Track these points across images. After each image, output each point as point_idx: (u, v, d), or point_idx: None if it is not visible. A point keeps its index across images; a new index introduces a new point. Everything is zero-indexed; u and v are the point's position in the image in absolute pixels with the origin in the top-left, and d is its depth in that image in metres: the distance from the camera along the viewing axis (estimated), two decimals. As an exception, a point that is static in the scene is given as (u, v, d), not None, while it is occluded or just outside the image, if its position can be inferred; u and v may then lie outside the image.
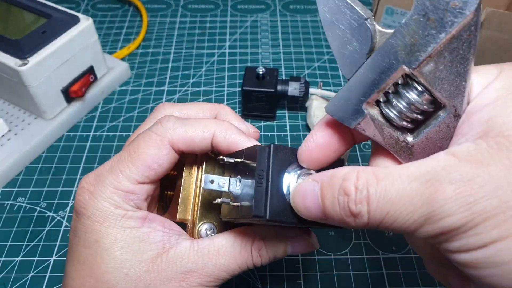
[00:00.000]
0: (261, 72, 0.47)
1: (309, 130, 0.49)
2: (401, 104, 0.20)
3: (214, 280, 0.26)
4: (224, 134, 0.26)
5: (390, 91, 0.20)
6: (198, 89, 0.54)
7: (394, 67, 0.19)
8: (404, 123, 0.21)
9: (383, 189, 0.18)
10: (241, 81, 0.49)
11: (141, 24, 0.65)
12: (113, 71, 0.53)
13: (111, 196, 0.25)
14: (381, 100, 0.21)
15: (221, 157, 0.25)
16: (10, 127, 0.46)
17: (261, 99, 0.48)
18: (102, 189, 0.25)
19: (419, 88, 0.20)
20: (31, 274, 0.37)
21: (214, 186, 0.25)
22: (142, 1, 0.69)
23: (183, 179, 0.28)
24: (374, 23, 0.20)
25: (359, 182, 0.19)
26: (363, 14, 0.20)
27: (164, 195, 0.32)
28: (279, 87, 0.48)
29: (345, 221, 0.19)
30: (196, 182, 0.29)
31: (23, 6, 0.48)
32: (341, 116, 0.21)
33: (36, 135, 0.46)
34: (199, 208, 0.28)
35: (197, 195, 0.28)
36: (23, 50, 0.43)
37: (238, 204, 0.24)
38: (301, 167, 0.24)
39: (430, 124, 0.21)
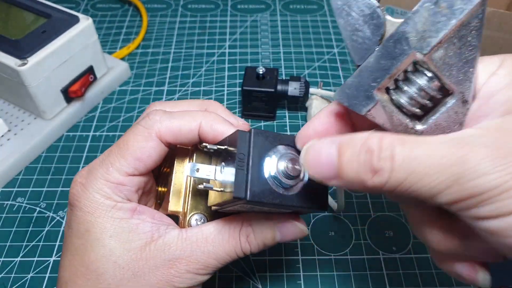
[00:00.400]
0: (261, 72, 0.47)
1: (309, 130, 0.49)
2: (412, 90, 0.20)
3: (203, 268, 0.26)
4: (210, 125, 0.27)
5: (400, 78, 0.21)
6: (198, 89, 0.54)
7: (406, 53, 0.19)
8: (414, 109, 0.21)
9: (410, 149, 0.18)
10: (241, 81, 0.49)
11: (141, 24, 0.65)
12: (113, 71, 0.53)
13: (102, 187, 0.26)
14: (391, 87, 0.21)
15: (204, 144, 0.26)
16: (10, 127, 0.46)
17: (261, 99, 0.48)
18: (93, 181, 0.26)
19: (429, 74, 0.20)
20: (31, 274, 0.37)
21: (200, 174, 0.26)
22: (142, 1, 0.69)
23: (174, 173, 0.29)
24: (384, 12, 0.20)
25: (384, 142, 0.18)
26: (374, 1, 0.20)
27: (159, 192, 0.32)
28: (279, 87, 0.48)
29: (360, 179, 0.19)
30: (187, 175, 0.29)
31: (23, 6, 0.48)
32: (352, 103, 0.21)
33: (35, 135, 0.46)
34: (189, 200, 0.29)
35: (188, 188, 0.29)
36: (22, 50, 0.43)
37: (222, 189, 0.25)
38: (283, 151, 0.24)
39: (438, 110, 0.21)
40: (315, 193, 0.25)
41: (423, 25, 0.19)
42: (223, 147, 0.26)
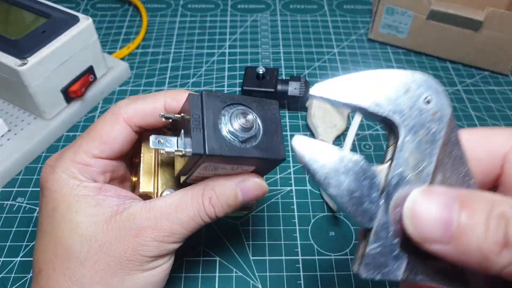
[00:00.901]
0: (261, 72, 0.47)
1: (309, 130, 0.49)
2: None
3: (169, 235, 0.27)
4: (176, 99, 0.28)
5: None
6: (198, 88, 0.54)
7: (410, 192, 0.18)
8: None
9: None
10: (241, 81, 0.49)
11: (141, 24, 0.65)
12: (113, 71, 0.53)
13: (68, 167, 0.27)
14: None
15: (161, 113, 0.27)
16: (10, 127, 0.46)
17: (261, 99, 0.48)
18: (61, 163, 0.28)
19: None
20: (31, 274, 0.37)
21: (162, 146, 0.26)
22: (142, 0, 0.69)
23: (142, 155, 0.31)
24: (368, 163, 0.19)
25: None
26: (358, 156, 0.18)
27: (132, 183, 0.33)
28: (279, 87, 0.48)
29: (482, 251, 0.15)
30: (155, 156, 0.31)
31: (22, 5, 0.48)
32: (385, 272, 0.18)
33: (35, 135, 0.46)
34: (159, 179, 0.30)
35: (157, 167, 0.30)
36: (22, 50, 0.43)
37: (182, 151, 0.26)
38: (235, 107, 0.26)
39: None
40: (271, 144, 0.26)
41: (413, 159, 0.18)
42: (179, 115, 0.27)
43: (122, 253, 0.26)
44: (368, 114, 0.19)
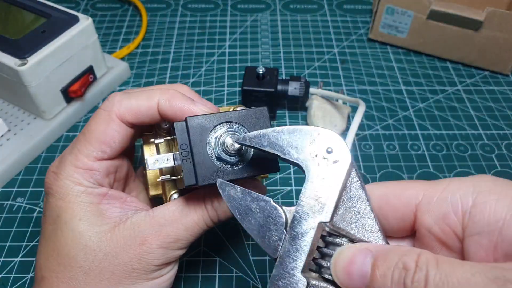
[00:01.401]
0: (261, 72, 0.47)
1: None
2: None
3: (174, 241, 0.27)
4: (169, 102, 0.27)
5: (317, 257, 0.21)
6: (198, 88, 0.54)
7: (313, 227, 0.21)
8: None
9: (444, 273, 0.17)
10: (241, 80, 0.49)
11: (140, 24, 0.65)
12: (113, 70, 0.53)
13: (71, 174, 0.27)
14: (314, 269, 0.22)
15: (151, 140, 0.27)
16: (10, 127, 0.46)
17: (261, 99, 0.48)
18: (64, 169, 0.27)
19: (339, 240, 0.21)
20: (31, 274, 0.37)
21: (160, 165, 0.27)
22: (142, 0, 0.69)
23: (146, 160, 0.30)
24: (278, 204, 0.23)
25: (420, 259, 0.17)
26: (266, 198, 0.22)
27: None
28: (279, 87, 0.48)
29: None
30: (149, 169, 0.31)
31: (22, 5, 0.48)
32: None
33: (35, 135, 0.46)
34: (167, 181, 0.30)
35: (163, 170, 0.30)
36: (22, 49, 0.43)
37: (179, 176, 0.26)
38: (222, 130, 0.25)
39: None
40: (264, 157, 0.26)
41: (316, 198, 0.21)
42: (169, 138, 0.27)
43: (128, 261, 0.26)
44: (282, 159, 0.23)
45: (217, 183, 0.23)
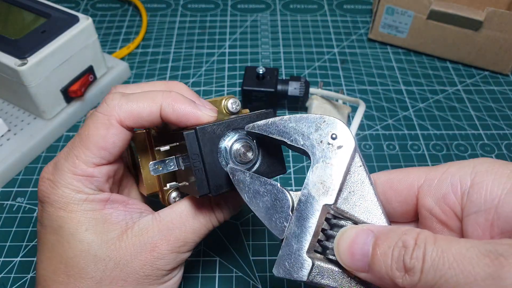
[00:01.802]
0: (261, 72, 0.47)
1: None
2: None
3: (183, 244, 0.27)
4: (172, 106, 0.26)
5: (322, 239, 0.22)
6: (198, 88, 0.54)
7: (317, 209, 0.22)
8: None
9: (440, 249, 0.17)
10: (241, 80, 0.49)
11: (140, 24, 0.65)
12: (113, 70, 0.53)
13: (71, 182, 0.26)
14: (319, 250, 0.22)
15: (156, 148, 0.27)
16: (10, 127, 0.46)
17: (261, 99, 0.48)
18: (61, 177, 0.26)
19: (343, 222, 0.22)
20: (31, 274, 0.37)
21: (163, 170, 0.26)
22: (142, 0, 0.69)
23: (139, 160, 0.30)
24: (285, 188, 0.24)
25: (419, 237, 0.18)
26: (273, 182, 0.23)
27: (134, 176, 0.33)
28: (279, 87, 0.48)
29: (391, 276, 0.18)
30: (151, 154, 0.30)
31: (22, 5, 0.48)
32: (292, 273, 0.22)
33: (35, 135, 0.46)
34: (162, 176, 0.30)
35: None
36: (22, 49, 0.43)
37: (187, 183, 0.26)
38: (233, 138, 0.25)
39: None
40: (271, 161, 0.27)
41: (321, 182, 0.22)
42: (175, 144, 0.26)
43: (139, 269, 0.26)
44: (288, 146, 0.24)
45: (227, 169, 0.24)
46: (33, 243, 0.39)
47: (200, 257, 0.38)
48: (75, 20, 0.46)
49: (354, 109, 0.50)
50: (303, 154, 0.24)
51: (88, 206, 0.26)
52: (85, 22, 0.46)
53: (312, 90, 0.49)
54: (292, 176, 0.45)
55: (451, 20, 0.54)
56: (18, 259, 0.38)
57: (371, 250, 0.19)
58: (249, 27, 0.65)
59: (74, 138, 0.27)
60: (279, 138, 0.24)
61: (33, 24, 0.46)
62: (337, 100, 0.50)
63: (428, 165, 0.46)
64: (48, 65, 0.44)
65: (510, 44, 0.53)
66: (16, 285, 0.36)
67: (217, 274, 0.37)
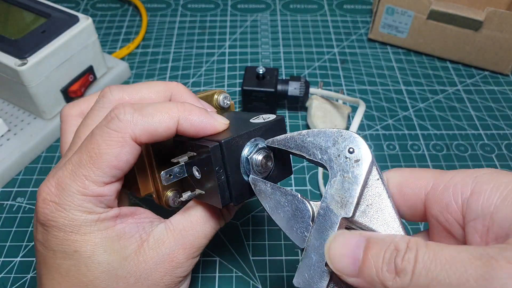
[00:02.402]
0: (261, 72, 0.47)
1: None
2: None
3: (197, 249, 0.28)
4: (190, 120, 0.25)
5: None
6: (198, 88, 0.54)
7: (336, 222, 0.22)
8: None
9: (432, 252, 0.18)
10: (241, 80, 0.49)
11: (140, 24, 0.65)
12: (113, 70, 0.53)
13: (81, 204, 0.24)
14: None
15: (174, 160, 0.26)
16: (10, 127, 0.46)
17: (261, 99, 0.48)
18: (69, 199, 0.24)
19: None
20: (31, 274, 0.37)
21: (173, 179, 0.26)
22: (142, 0, 0.69)
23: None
24: (304, 197, 0.24)
25: (411, 241, 0.18)
26: (294, 192, 0.24)
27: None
28: (279, 87, 0.48)
29: (382, 279, 0.18)
30: (145, 156, 0.29)
31: (22, 5, 0.48)
32: (312, 284, 0.23)
33: (35, 135, 0.46)
34: (158, 177, 0.29)
35: (152, 166, 0.29)
36: (22, 49, 0.43)
37: (202, 192, 0.26)
38: (252, 149, 0.26)
39: None
40: (281, 167, 0.28)
41: (339, 195, 0.22)
42: (192, 154, 0.26)
43: (159, 280, 0.26)
44: (307, 160, 0.24)
45: (249, 180, 0.25)
46: (33, 243, 0.39)
47: (200, 257, 0.38)
48: (75, 20, 0.46)
49: (354, 109, 0.50)
50: (321, 167, 0.24)
51: (101, 226, 0.25)
52: (85, 22, 0.46)
53: (312, 90, 0.49)
54: (293, 176, 0.45)
55: (451, 20, 0.54)
56: (18, 259, 0.38)
57: (362, 254, 0.19)
58: (249, 27, 0.65)
59: (79, 154, 0.24)
60: (298, 152, 0.24)
61: (33, 24, 0.46)
62: (337, 100, 0.50)
63: (428, 165, 0.46)
64: (48, 65, 0.44)
65: (510, 44, 0.53)
66: (16, 285, 0.36)
67: (217, 274, 0.37)
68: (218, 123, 0.26)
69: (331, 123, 0.47)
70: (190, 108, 0.26)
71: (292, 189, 0.43)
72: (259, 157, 0.26)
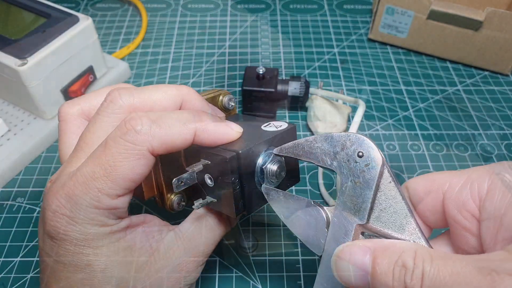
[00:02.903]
0: (261, 72, 0.47)
1: (309, 130, 0.49)
2: None
3: (205, 256, 0.28)
4: (207, 131, 0.25)
5: None
6: (198, 88, 0.54)
7: (351, 228, 0.22)
8: None
9: (436, 268, 0.18)
10: (241, 81, 0.49)
11: (140, 24, 0.65)
12: (113, 70, 0.53)
13: (94, 217, 0.24)
14: None
15: (189, 168, 0.26)
16: (10, 127, 0.46)
17: (261, 99, 0.48)
18: (81, 212, 0.23)
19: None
20: (31, 274, 0.37)
21: (184, 186, 0.26)
22: (142, 0, 0.69)
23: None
24: (317, 202, 0.24)
25: (417, 256, 0.19)
26: (307, 199, 0.24)
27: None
28: (279, 87, 0.48)
29: None
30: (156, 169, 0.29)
31: (22, 5, 0.48)
32: None
33: (35, 135, 0.46)
34: (163, 182, 0.29)
35: (157, 169, 0.29)
36: (22, 50, 0.43)
37: (214, 200, 0.27)
38: (265, 158, 0.26)
39: None
40: (290, 175, 0.28)
41: (352, 201, 0.22)
42: (207, 163, 0.26)
43: (170, 287, 0.26)
44: (318, 166, 0.24)
45: (262, 189, 0.25)
46: (33, 243, 0.39)
47: (200, 257, 0.38)
48: (75, 20, 0.46)
49: (354, 109, 0.50)
50: (332, 172, 0.24)
51: (113, 238, 0.25)
52: (85, 22, 0.46)
53: (312, 90, 0.49)
54: (292, 176, 0.45)
55: (451, 20, 0.54)
56: (18, 259, 0.38)
57: (370, 269, 0.20)
58: (249, 27, 0.65)
59: (92, 167, 0.23)
60: (307, 160, 0.24)
61: (33, 24, 0.46)
62: (337, 100, 0.50)
63: (428, 165, 0.46)
64: (48, 65, 0.44)
65: (510, 44, 0.53)
66: (16, 285, 0.36)
67: (217, 274, 0.37)
68: (234, 133, 0.26)
69: (331, 123, 0.47)
70: (206, 118, 0.25)
71: (293, 191, 0.43)
72: (274, 167, 0.26)
